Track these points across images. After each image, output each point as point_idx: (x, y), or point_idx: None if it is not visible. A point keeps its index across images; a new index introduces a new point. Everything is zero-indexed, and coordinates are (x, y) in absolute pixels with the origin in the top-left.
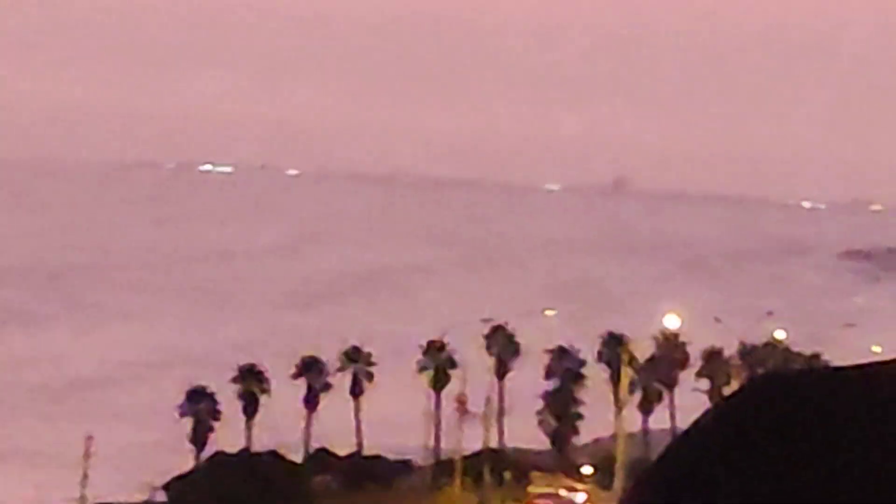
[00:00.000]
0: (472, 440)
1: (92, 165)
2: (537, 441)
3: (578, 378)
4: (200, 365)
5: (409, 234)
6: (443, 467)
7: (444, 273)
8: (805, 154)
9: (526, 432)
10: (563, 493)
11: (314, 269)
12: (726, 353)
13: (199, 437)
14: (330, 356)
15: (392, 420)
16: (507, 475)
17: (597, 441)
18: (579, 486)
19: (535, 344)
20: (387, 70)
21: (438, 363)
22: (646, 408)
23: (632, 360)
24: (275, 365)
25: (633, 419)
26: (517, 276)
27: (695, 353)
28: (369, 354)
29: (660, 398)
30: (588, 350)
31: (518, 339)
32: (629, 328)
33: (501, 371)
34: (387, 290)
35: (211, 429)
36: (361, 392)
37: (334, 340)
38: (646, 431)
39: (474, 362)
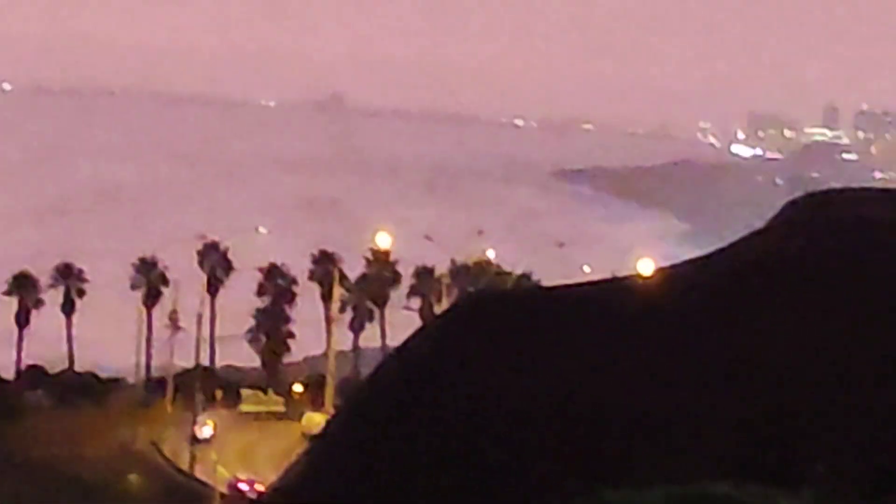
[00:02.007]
0: (184, 357)
1: None
2: (249, 359)
3: (290, 296)
4: None
5: (136, 151)
6: (154, 384)
7: (173, 190)
8: (517, 72)
9: (237, 350)
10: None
11: (39, 186)
12: (438, 271)
13: None
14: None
15: (104, 337)
16: (219, 393)
17: (308, 359)
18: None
19: (248, 262)
20: None
21: (150, 280)
22: (357, 326)
23: (343, 278)
24: None
25: (344, 337)
26: (237, 193)
27: (406, 271)
28: (81, 271)
29: (371, 316)
30: (303, 268)
31: (231, 256)
32: (341, 246)
33: (213, 289)
34: (112, 207)
35: None
36: (73, 309)
37: (56, 257)
38: (357, 349)
39: (187, 279)
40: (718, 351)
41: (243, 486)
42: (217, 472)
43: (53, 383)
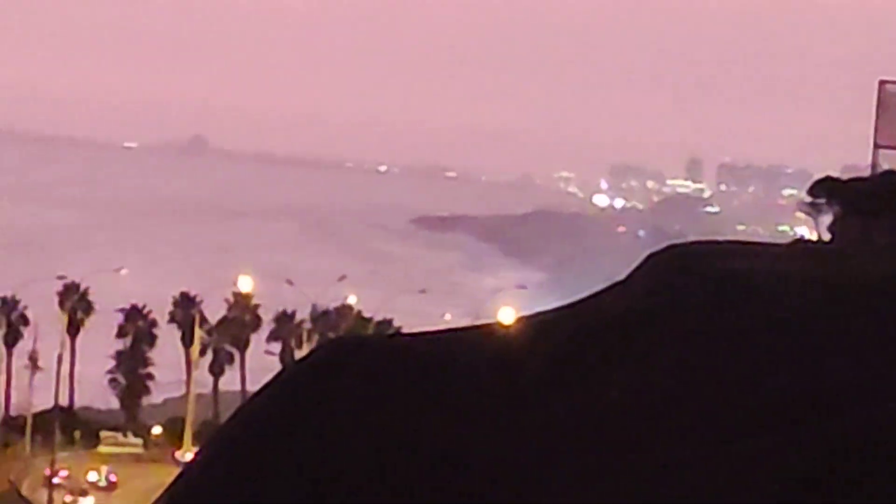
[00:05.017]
0: (43, 398)
1: None
2: (108, 400)
3: (150, 338)
4: None
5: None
6: (13, 424)
7: (33, 231)
8: (381, 119)
9: (97, 391)
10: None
11: None
12: (299, 316)
13: None
14: None
15: None
16: (77, 434)
17: (167, 401)
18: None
19: (110, 303)
20: None
21: (10, 320)
22: (217, 369)
23: (203, 321)
24: None
25: (204, 380)
26: (99, 233)
27: (267, 315)
28: None
29: (231, 360)
30: (165, 310)
31: (91, 297)
32: (203, 289)
33: (74, 329)
34: None
35: None
36: None
37: None
38: (216, 392)
39: (47, 320)
40: (575, 403)
41: None
42: None
43: None
